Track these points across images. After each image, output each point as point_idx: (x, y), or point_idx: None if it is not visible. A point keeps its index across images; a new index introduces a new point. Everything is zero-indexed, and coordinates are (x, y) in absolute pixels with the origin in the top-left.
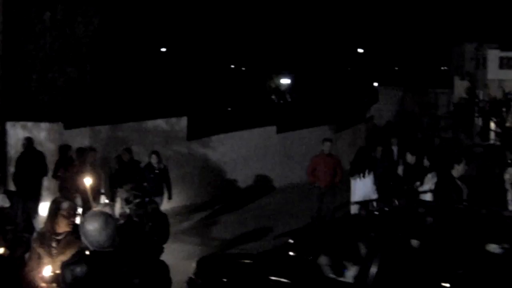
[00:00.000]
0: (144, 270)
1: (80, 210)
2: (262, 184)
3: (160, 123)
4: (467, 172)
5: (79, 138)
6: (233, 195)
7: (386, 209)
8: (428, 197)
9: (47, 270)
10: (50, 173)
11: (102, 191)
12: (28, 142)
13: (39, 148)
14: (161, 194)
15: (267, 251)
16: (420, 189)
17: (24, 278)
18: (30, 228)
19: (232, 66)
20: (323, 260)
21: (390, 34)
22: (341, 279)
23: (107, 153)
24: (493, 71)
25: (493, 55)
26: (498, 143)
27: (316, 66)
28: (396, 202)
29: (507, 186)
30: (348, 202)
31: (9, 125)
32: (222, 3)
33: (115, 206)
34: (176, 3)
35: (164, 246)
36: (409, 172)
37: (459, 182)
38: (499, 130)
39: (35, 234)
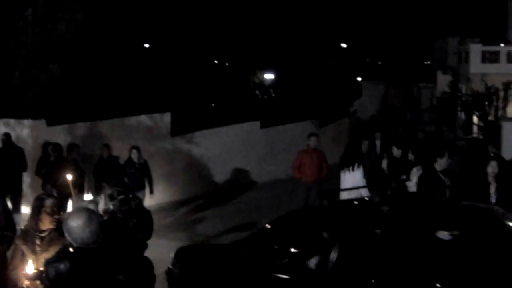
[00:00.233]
0: (128, 267)
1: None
2: (247, 179)
3: (144, 119)
4: (450, 165)
5: (62, 135)
6: (217, 191)
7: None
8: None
9: (30, 267)
10: (31, 170)
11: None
12: (7, 137)
13: (22, 145)
14: (142, 189)
15: (241, 240)
16: (408, 183)
17: (7, 276)
18: (12, 225)
19: (216, 62)
20: (291, 247)
21: (374, 29)
22: (305, 266)
23: (90, 149)
24: (476, 65)
25: (476, 50)
26: (480, 136)
27: (299, 61)
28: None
29: (490, 179)
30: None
31: None
32: None
33: (99, 202)
34: None
35: (148, 242)
36: (395, 166)
37: (442, 176)
38: (481, 124)
39: (18, 231)
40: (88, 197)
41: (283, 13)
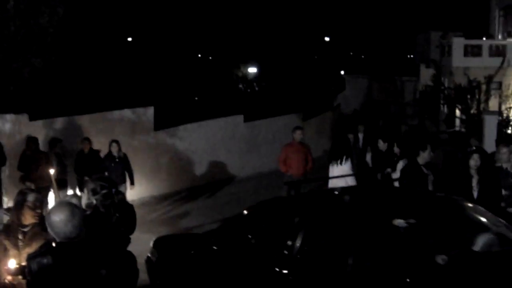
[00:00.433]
0: (111, 261)
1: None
2: (230, 173)
3: (127, 113)
4: (432, 159)
5: (45, 129)
6: (200, 185)
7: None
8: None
9: (12, 263)
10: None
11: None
12: None
13: (4, 140)
14: (123, 183)
15: (213, 229)
16: (394, 175)
17: None
18: None
19: (199, 56)
20: (258, 235)
21: (357, 23)
22: (271, 253)
23: (74, 144)
24: (458, 59)
25: (458, 43)
26: (463, 129)
27: (283, 55)
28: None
29: (472, 172)
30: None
31: None
32: None
33: (82, 196)
34: None
35: (131, 236)
36: (381, 159)
37: (424, 169)
38: (464, 117)
39: (1, 226)
40: (70, 191)
41: (267, 7)
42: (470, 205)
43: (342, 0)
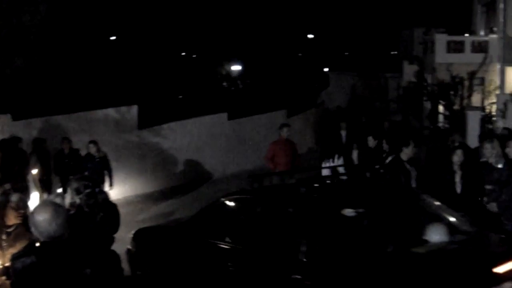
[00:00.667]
0: (95, 260)
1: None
2: (215, 171)
3: (111, 112)
4: (415, 154)
5: (28, 129)
6: (185, 183)
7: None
8: None
9: None
10: None
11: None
12: None
13: None
14: (103, 182)
15: (185, 221)
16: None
17: None
18: None
19: (183, 54)
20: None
21: (340, 20)
22: (236, 241)
23: (58, 143)
24: (441, 55)
25: (441, 40)
26: (446, 125)
27: (266, 52)
28: None
29: (455, 167)
30: None
31: None
32: None
33: (65, 196)
34: None
35: (115, 236)
36: (370, 156)
37: (407, 165)
38: (447, 113)
39: None
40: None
41: (250, 4)
42: (424, 197)
43: None
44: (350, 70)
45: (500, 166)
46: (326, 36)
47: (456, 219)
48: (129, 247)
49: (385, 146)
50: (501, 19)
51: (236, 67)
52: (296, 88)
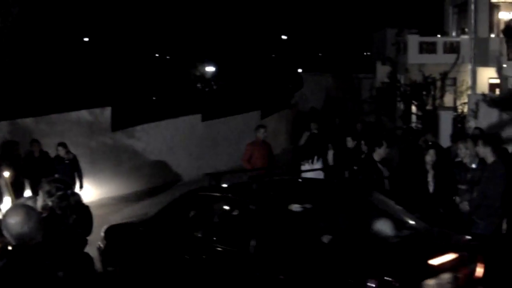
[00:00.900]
0: (68, 263)
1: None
2: (189, 172)
3: (84, 114)
4: (388, 155)
5: (1, 132)
6: (159, 185)
7: None
8: None
9: None
10: None
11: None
12: None
13: None
14: (73, 184)
15: (148, 218)
16: None
17: None
18: None
19: (157, 55)
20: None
21: (314, 21)
22: (196, 235)
23: (30, 146)
24: (414, 56)
25: (413, 40)
26: (419, 125)
27: (240, 53)
28: None
29: (428, 167)
30: None
31: None
32: None
33: (37, 199)
34: None
35: (88, 238)
36: (348, 157)
37: (380, 166)
38: (420, 113)
39: None
40: (27, 194)
41: (223, 5)
42: (376, 195)
43: None
44: (324, 71)
45: (474, 166)
46: (300, 37)
47: (404, 215)
48: (100, 243)
49: (364, 147)
50: (472, 20)
51: (210, 68)
52: (270, 89)
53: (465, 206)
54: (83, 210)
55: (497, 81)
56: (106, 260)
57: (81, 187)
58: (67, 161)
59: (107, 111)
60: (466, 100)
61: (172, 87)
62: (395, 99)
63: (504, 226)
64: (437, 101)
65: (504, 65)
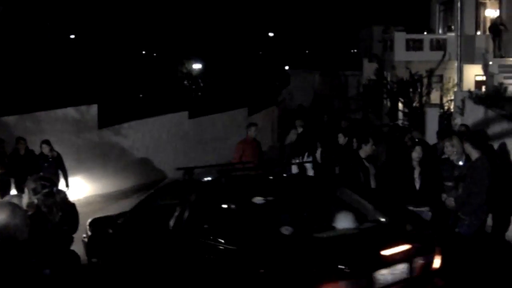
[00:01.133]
0: (54, 261)
1: None
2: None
3: (70, 111)
4: (374, 152)
5: None
6: (146, 182)
7: None
8: None
9: None
10: None
11: None
12: None
13: None
14: (57, 182)
15: (125, 211)
16: None
17: None
18: None
19: (143, 52)
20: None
21: (301, 18)
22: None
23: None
24: (400, 53)
25: (400, 38)
26: (406, 123)
27: (227, 50)
28: None
29: (414, 164)
30: None
31: None
32: None
33: (23, 196)
34: None
35: (74, 236)
36: (340, 154)
37: (366, 163)
38: (406, 110)
39: None
40: (12, 192)
41: (210, 2)
42: (343, 189)
43: None
44: (311, 68)
45: (461, 163)
46: (287, 34)
47: (369, 209)
48: (84, 235)
49: (355, 144)
50: (458, 18)
51: (197, 66)
52: (257, 87)
53: (451, 202)
54: (69, 208)
55: (483, 78)
56: (90, 251)
57: (66, 185)
58: (50, 159)
59: (94, 108)
60: (452, 97)
61: (159, 84)
62: (382, 96)
63: (490, 222)
64: (424, 98)
65: (490, 62)
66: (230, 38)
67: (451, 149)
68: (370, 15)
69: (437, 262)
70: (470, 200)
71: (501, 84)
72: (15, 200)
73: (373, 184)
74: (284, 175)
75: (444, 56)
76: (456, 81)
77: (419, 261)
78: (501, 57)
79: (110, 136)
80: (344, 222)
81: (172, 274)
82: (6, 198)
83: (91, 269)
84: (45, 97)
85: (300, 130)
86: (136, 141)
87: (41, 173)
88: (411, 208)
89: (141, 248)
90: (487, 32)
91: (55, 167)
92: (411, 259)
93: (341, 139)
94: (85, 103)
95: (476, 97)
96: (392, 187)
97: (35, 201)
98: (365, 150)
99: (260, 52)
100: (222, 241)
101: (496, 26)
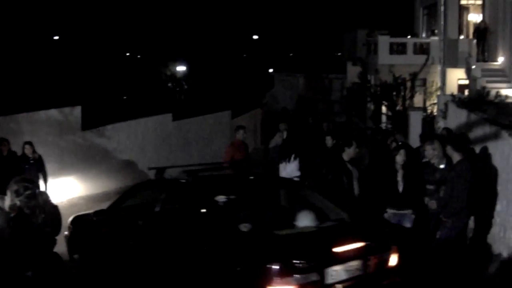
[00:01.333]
0: (37, 263)
1: None
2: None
3: (54, 113)
4: (358, 155)
5: None
6: (130, 184)
7: None
8: None
9: None
10: None
11: None
12: None
13: None
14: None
15: (103, 209)
16: None
17: None
18: None
19: (127, 54)
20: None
21: (285, 21)
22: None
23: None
24: (384, 57)
25: (384, 41)
26: (389, 126)
27: (211, 53)
28: None
29: (398, 166)
30: None
31: None
32: None
33: (5, 198)
34: None
35: (57, 238)
36: (328, 156)
37: (349, 166)
38: (390, 114)
39: None
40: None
41: (194, 5)
42: (307, 190)
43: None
44: (295, 71)
45: (442, 166)
46: (271, 37)
47: (331, 209)
48: (66, 232)
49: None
50: (442, 22)
51: (181, 68)
52: (241, 89)
53: (433, 204)
54: (52, 210)
55: (466, 82)
56: (71, 248)
57: (45, 189)
58: (32, 161)
59: (77, 110)
60: (435, 101)
61: (143, 86)
62: (366, 100)
63: (472, 224)
64: (407, 102)
65: (473, 66)
66: (214, 40)
67: (432, 153)
68: (354, 19)
69: (393, 260)
70: (451, 203)
71: (483, 88)
72: None
73: (356, 187)
74: (251, 176)
75: (427, 59)
76: (439, 84)
77: (374, 259)
78: (484, 61)
79: (93, 138)
80: (304, 220)
81: (143, 267)
82: None
83: (72, 266)
84: (29, 98)
85: (284, 133)
86: (119, 143)
87: (23, 175)
88: (393, 211)
89: (116, 244)
90: (470, 36)
91: (36, 170)
92: (366, 256)
93: (329, 142)
94: (68, 104)
95: (459, 101)
96: (375, 190)
97: (18, 203)
98: (348, 153)
99: (244, 55)
100: (186, 236)
101: (480, 30)
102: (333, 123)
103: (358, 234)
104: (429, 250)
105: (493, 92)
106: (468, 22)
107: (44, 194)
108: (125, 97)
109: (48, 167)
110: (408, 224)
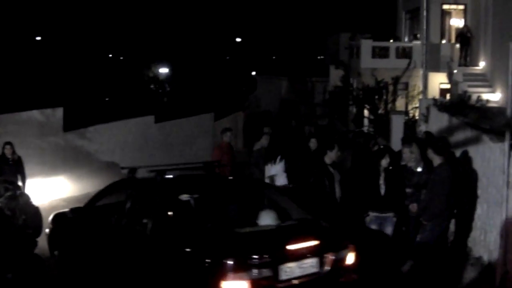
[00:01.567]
0: (17, 265)
1: None
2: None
3: (35, 114)
4: (339, 158)
5: None
6: None
7: None
8: None
9: None
10: None
11: None
12: None
13: None
14: None
15: (80, 207)
16: None
17: None
18: None
19: (110, 56)
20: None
21: (268, 24)
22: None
23: None
24: (366, 60)
25: (366, 45)
26: (371, 129)
27: (194, 55)
28: None
29: (381, 170)
30: None
31: None
32: None
33: None
34: None
35: (38, 239)
36: (311, 158)
37: (331, 169)
38: (372, 117)
39: None
40: None
41: (177, 6)
42: (271, 190)
43: (254, 1)
44: (278, 74)
45: (419, 169)
46: (254, 40)
47: (292, 209)
48: (47, 230)
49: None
50: (424, 26)
51: (163, 70)
52: (223, 92)
53: (414, 207)
54: (33, 211)
55: (448, 86)
56: (52, 244)
57: (23, 190)
58: (11, 162)
59: (59, 111)
60: (417, 105)
61: (125, 88)
62: (348, 103)
63: (452, 228)
64: (389, 105)
65: (455, 71)
66: (197, 42)
67: (409, 156)
68: (337, 23)
69: (350, 258)
70: (431, 206)
71: (465, 92)
72: None
73: (338, 190)
74: (218, 176)
75: (409, 63)
76: (421, 88)
77: (330, 257)
78: (466, 65)
79: (75, 140)
80: (266, 219)
81: (115, 262)
82: None
83: (52, 262)
84: (10, 99)
85: (268, 137)
86: (101, 144)
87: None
88: (376, 214)
89: (90, 240)
90: (452, 41)
91: (15, 171)
92: (321, 254)
93: (313, 145)
94: (50, 106)
95: (440, 105)
96: (357, 193)
97: None
98: (330, 156)
99: (227, 57)
100: (151, 232)
101: (463, 35)
102: (315, 126)
103: (314, 233)
104: (408, 253)
105: (474, 97)
106: (450, 26)
107: (25, 195)
108: (107, 99)
109: (30, 168)
110: (390, 227)
